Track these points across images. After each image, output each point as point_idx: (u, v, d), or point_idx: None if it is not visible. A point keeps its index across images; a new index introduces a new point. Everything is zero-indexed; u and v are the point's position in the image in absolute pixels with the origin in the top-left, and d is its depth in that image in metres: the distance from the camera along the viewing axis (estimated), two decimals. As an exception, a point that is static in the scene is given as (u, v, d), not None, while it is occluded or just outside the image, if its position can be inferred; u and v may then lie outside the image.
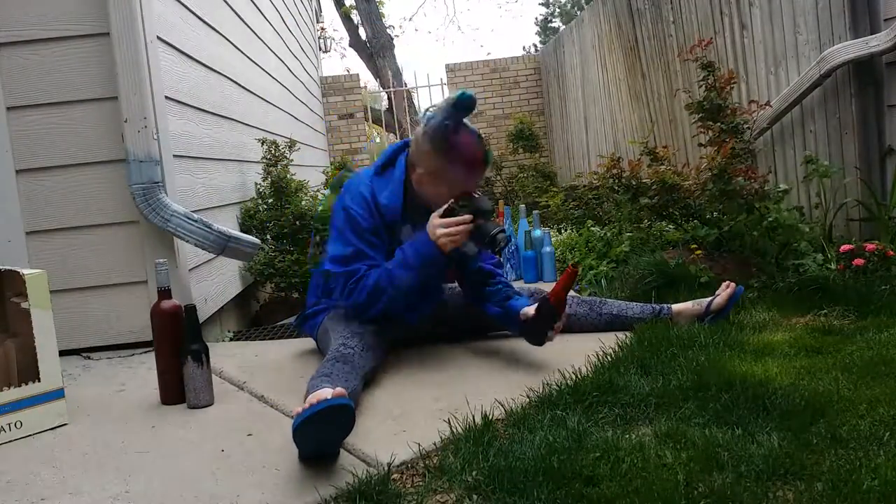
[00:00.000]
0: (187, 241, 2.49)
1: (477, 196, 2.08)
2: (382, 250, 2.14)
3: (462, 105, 2.00)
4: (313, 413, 1.42)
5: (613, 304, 2.44)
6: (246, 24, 4.18)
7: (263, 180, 3.75)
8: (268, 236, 3.46)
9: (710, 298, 2.41)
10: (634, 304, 2.47)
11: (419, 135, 2.10)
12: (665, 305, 2.44)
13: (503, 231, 2.04)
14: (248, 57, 4.12)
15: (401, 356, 2.27)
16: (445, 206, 2.04)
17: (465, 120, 2.06)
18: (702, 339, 2.16)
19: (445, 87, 8.94)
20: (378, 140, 14.74)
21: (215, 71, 3.36)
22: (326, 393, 1.50)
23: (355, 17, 12.66)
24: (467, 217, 2.02)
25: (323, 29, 10.51)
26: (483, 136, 2.16)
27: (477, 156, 2.07)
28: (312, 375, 1.80)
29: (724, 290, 2.41)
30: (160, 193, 2.43)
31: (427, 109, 2.11)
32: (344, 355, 1.88)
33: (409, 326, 2.27)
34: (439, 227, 2.02)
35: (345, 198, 2.17)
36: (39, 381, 1.83)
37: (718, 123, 3.21)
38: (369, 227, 2.11)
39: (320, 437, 1.47)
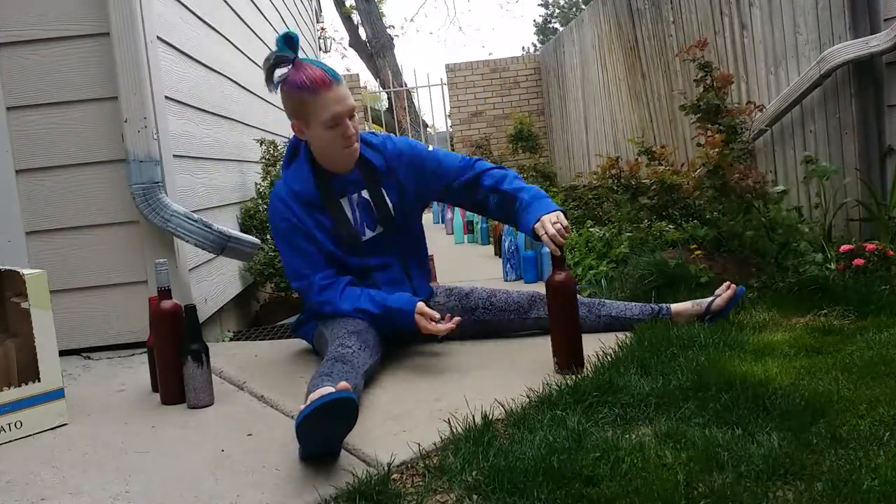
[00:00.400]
0: (187, 241, 2.49)
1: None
2: (321, 242, 2.19)
3: (284, 43, 2.07)
4: (318, 406, 1.41)
5: (612, 306, 2.43)
6: (246, 24, 4.18)
7: (263, 180, 3.75)
8: (268, 236, 3.46)
9: (710, 299, 2.41)
10: (634, 304, 2.46)
11: (282, 101, 2.15)
12: (664, 306, 2.43)
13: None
14: (248, 57, 4.12)
15: (400, 356, 2.27)
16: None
17: (301, 56, 2.12)
18: (702, 339, 2.16)
19: (445, 87, 8.94)
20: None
21: (215, 71, 3.36)
22: (329, 389, 1.50)
23: (355, 17, 12.68)
24: (451, 326, 2.10)
25: (323, 29, 10.51)
26: (323, 63, 2.22)
27: (316, 75, 2.06)
28: (312, 375, 1.80)
29: (725, 292, 2.40)
30: (160, 193, 2.43)
31: (265, 62, 2.13)
32: (343, 355, 1.88)
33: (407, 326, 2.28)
34: (424, 319, 2.11)
35: (272, 218, 2.25)
36: (39, 381, 1.83)
37: (717, 125, 3.21)
38: (294, 228, 2.17)
39: (324, 432, 1.47)
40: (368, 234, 2.26)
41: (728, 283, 2.43)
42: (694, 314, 2.39)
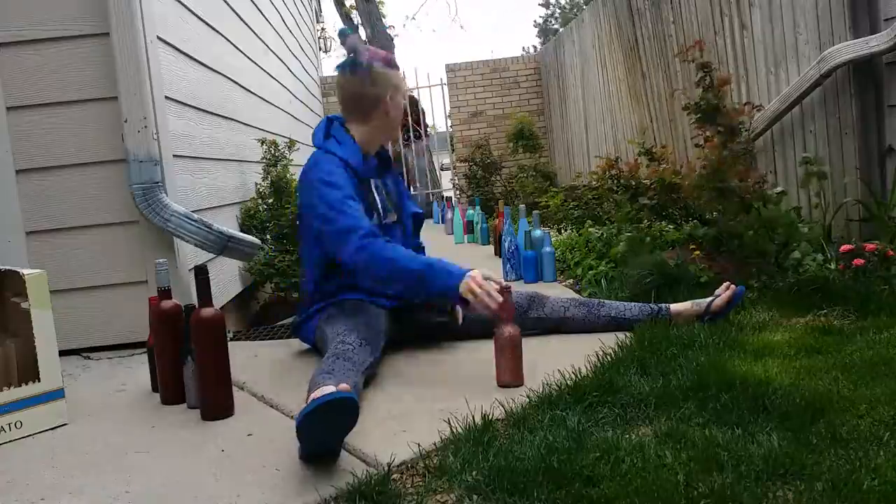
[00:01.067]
0: (187, 241, 2.50)
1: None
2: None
3: (353, 41, 2.30)
4: (318, 405, 1.41)
5: (612, 306, 2.44)
6: (246, 24, 4.18)
7: (263, 180, 3.75)
8: (268, 236, 3.46)
9: (709, 299, 2.41)
10: (633, 304, 2.46)
11: (358, 81, 2.28)
12: (664, 306, 2.43)
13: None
14: (248, 57, 4.12)
15: (400, 356, 2.27)
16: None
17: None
18: (702, 339, 2.16)
19: (445, 87, 8.94)
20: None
21: (215, 71, 3.36)
22: (330, 388, 1.50)
23: (355, 17, 12.67)
24: (498, 298, 1.99)
25: (323, 29, 10.52)
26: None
27: (390, 55, 2.36)
28: (313, 374, 1.79)
29: (725, 292, 2.40)
30: (160, 193, 2.43)
31: (336, 68, 2.35)
32: (343, 352, 1.88)
33: (409, 323, 2.28)
34: (476, 279, 2.01)
35: (314, 173, 2.23)
36: (39, 381, 1.83)
37: (716, 126, 3.21)
38: (351, 189, 2.19)
39: (324, 431, 1.47)
40: (387, 218, 2.36)
41: (728, 283, 2.43)
42: (693, 314, 2.39)
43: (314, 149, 2.34)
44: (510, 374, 1.94)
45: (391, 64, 2.32)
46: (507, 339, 1.93)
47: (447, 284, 2.04)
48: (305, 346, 2.46)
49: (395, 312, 2.34)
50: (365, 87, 2.28)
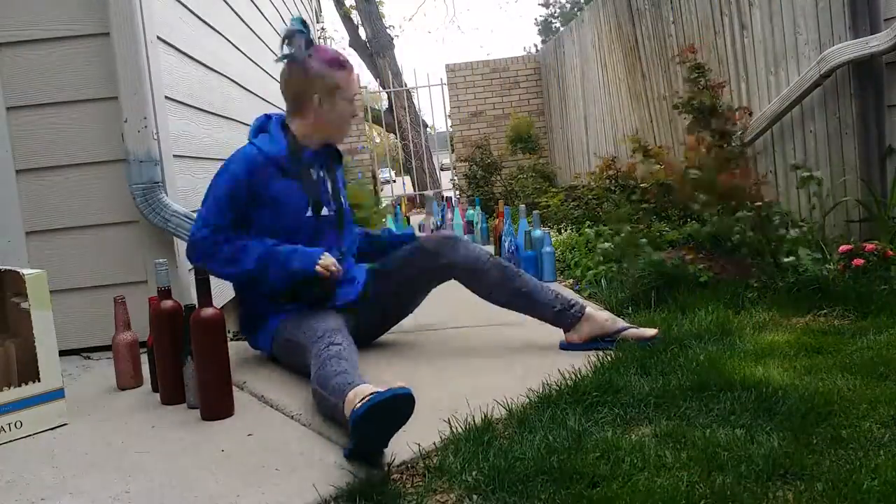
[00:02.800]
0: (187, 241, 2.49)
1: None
2: (265, 216, 2.20)
3: (299, 23, 2.21)
4: (382, 399, 1.43)
5: (529, 281, 2.29)
6: (246, 23, 4.18)
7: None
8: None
9: (627, 325, 2.25)
10: (550, 290, 2.30)
11: (293, 75, 2.24)
12: (581, 305, 2.27)
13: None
14: (248, 57, 4.12)
15: (399, 356, 2.27)
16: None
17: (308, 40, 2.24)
18: (702, 339, 2.16)
19: (445, 87, 8.94)
20: (378, 140, 14.75)
21: (215, 71, 3.35)
22: (369, 386, 1.55)
23: (355, 17, 12.67)
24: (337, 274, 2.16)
25: (323, 29, 10.52)
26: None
27: (338, 55, 2.27)
28: (320, 376, 1.76)
29: (646, 330, 2.22)
30: (160, 193, 2.43)
31: (284, 36, 2.24)
32: (338, 352, 1.84)
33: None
34: (325, 258, 2.15)
35: (228, 163, 2.24)
36: (39, 381, 1.83)
37: (709, 129, 3.21)
38: (245, 195, 2.18)
39: (380, 427, 1.47)
40: (325, 210, 2.28)
41: (656, 330, 2.23)
42: (602, 329, 2.22)
43: None
44: None
45: (335, 64, 2.24)
46: None
47: (307, 261, 2.16)
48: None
49: (349, 309, 2.28)
50: (298, 83, 2.24)
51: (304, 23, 2.21)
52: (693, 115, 3.24)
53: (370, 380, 1.69)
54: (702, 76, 3.26)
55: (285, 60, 2.25)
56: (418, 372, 2.13)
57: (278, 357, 2.25)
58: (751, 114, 3.45)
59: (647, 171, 3.29)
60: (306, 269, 2.13)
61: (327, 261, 2.15)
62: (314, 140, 2.29)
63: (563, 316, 2.24)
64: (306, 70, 2.22)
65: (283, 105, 2.34)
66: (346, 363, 1.79)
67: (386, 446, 1.52)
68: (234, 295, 3.18)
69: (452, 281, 2.34)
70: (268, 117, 2.33)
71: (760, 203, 2.97)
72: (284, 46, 2.23)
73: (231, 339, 3.01)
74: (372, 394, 1.47)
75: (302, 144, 2.27)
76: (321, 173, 2.31)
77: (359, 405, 1.46)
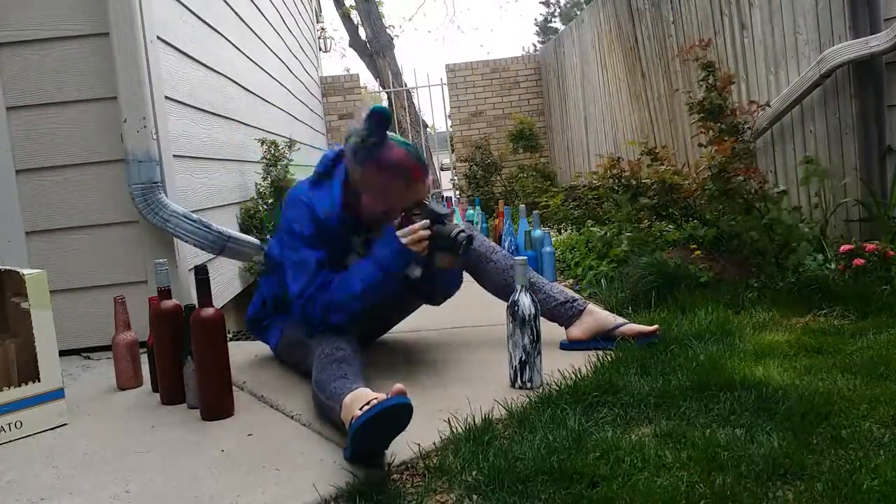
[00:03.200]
0: (186, 241, 2.50)
1: (428, 203, 2.05)
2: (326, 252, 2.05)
3: (375, 120, 1.96)
4: (380, 410, 1.42)
5: (534, 274, 2.30)
6: (246, 24, 4.18)
7: (263, 180, 3.75)
8: (268, 236, 3.46)
9: (626, 322, 2.25)
10: (553, 284, 2.32)
11: (349, 160, 2.03)
12: (582, 301, 2.28)
13: (463, 231, 2.01)
14: (247, 57, 4.12)
15: (399, 356, 2.27)
16: (399, 220, 2.01)
17: (389, 133, 2.02)
18: (702, 339, 2.16)
19: (445, 87, 8.94)
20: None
21: (215, 71, 3.35)
22: (366, 394, 1.55)
23: (355, 17, 12.67)
24: (424, 223, 1.97)
25: (323, 29, 10.52)
26: (414, 144, 2.11)
27: (411, 166, 2.02)
28: (320, 379, 1.76)
29: (647, 327, 2.23)
30: (159, 193, 2.43)
31: (347, 134, 2.03)
32: (342, 357, 1.84)
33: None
34: (403, 236, 1.97)
35: (286, 212, 2.10)
36: (39, 381, 1.83)
37: (719, 124, 3.21)
38: (311, 235, 2.03)
39: (378, 436, 1.47)
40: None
41: (656, 326, 2.24)
42: (599, 325, 2.23)
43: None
44: None
45: (400, 175, 2.00)
46: None
47: (395, 252, 1.96)
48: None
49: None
50: (350, 168, 2.05)
51: (381, 118, 1.97)
52: (703, 114, 3.24)
53: (371, 381, 1.69)
54: (711, 74, 3.25)
55: (353, 151, 2.01)
56: (418, 372, 2.12)
57: (282, 355, 2.25)
58: (766, 106, 3.45)
59: (653, 172, 3.29)
60: (396, 255, 1.96)
61: (407, 234, 1.96)
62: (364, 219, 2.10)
63: (566, 308, 2.26)
64: (362, 168, 2.01)
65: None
66: (348, 368, 1.79)
67: (386, 449, 1.53)
68: (233, 295, 3.18)
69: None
70: (338, 157, 2.12)
71: (770, 201, 2.97)
72: (358, 131, 2.01)
73: (231, 339, 3.01)
74: (369, 403, 1.46)
75: (367, 212, 2.08)
76: (368, 235, 2.13)
77: (358, 414, 1.46)
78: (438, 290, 2.26)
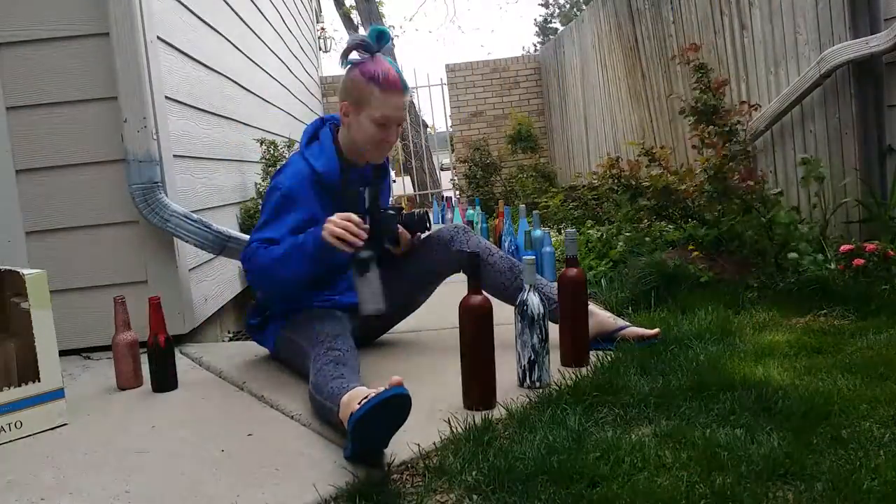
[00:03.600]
0: (186, 241, 2.49)
1: (395, 210, 2.17)
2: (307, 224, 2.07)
3: (375, 35, 2.12)
4: (377, 403, 1.42)
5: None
6: (246, 24, 4.18)
7: (263, 180, 3.75)
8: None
9: (629, 324, 2.25)
10: (553, 285, 2.29)
11: (345, 74, 2.15)
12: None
13: (426, 213, 2.11)
14: (248, 57, 4.12)
15: (399, 355, 2.27)
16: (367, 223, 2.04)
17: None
18: (702, 340, 2.16)
19: (445, 87, 8.94)
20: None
21: (215, 71, 3.36)
22: (364, 391, 1.53)
23: (355, 17, 12.68)
24: (360, 229, 1.94)
25: (323, 29, 10.51)
26: (399, 70, 2.22)
27: (392, 77, 2.11)
28: (317, 381, 1.75)
29: (648, 330, 2.21)
30: (159, 193, 2.43)
31: (348, 40, 2.18)
32: (338, 357, 1.83)
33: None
34: (330, 220, 1.95)
35: (279, 178, 2.15)
36: (39, 381, 1.83)
37: (712, 126, 3.21)
38: (304, 198, 2.08)
39: (378, 429, 1.47)
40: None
41: (657, 329, 2.23)
42: (602, 326, 2.21)
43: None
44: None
45: (373, 78, 2.09)
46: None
47: (315, 237, 1.96)
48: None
49: (353, 310, 2.25)
50: (342, 84, 2.17)
51: (381, 35, 2.12)
52: (697, 117, 3.24)
53: (369, 381, 1.68)
54: (705, 76, 3.26)
55: (342, 58, 2.18)
56: (418, 372, 2.12)
57: (280, 357, 2.25)
58: (757, 106, 3.45)
59: (651, 174, 3.29)
60: (317, 242, 1.96)
61: (332, 226, 1.94)
62: (354, 155, 2.20)
63: None
64: (346, 79, 2.15)
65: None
66: (344, 368, 1.78)
67: (386, 446, 1.52)
68: (233, 295, 3.18)
69: (453, 282, 2.34)
70: (322, 121, 2.26)
71: (768, 201, 2.97)
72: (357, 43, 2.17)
73: (231, 339, 3.01)
74: (367, 397, 1.47)
75: (350, 160, 2.20)
76: (361, 189, 2.21)
77: (356, 407, 1.46)
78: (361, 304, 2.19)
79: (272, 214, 2.10)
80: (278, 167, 3.64)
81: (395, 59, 2.16)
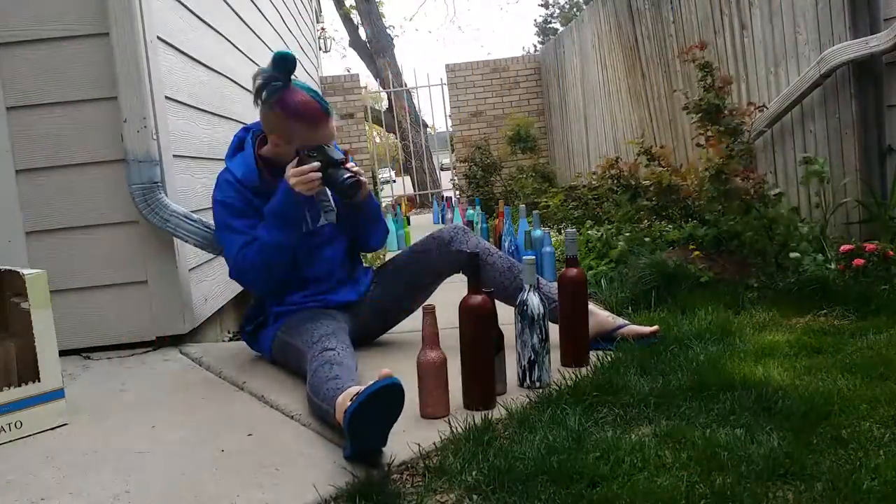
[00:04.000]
0: (186, 241, 2.49)
1: (327, 147, 2.13)
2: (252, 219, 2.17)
3: (279, 63, 2.07)
4: (371, 393, 1.41)
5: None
6: (246, 23, 4.18)
7: (263, 180, 3.74)
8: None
9: (627, 322, 2.25)
10: (552, 285, 2.30)
11: (255, 101, 2.14)
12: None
13: (353, 176, 2.10)
14: (248, 57, 4.12)
15: (398, 355, 2.27)
16: (297, 157, 2.10)
17: (295, 79, 2.14)
18: (702, 340, 2.16)
19: (445, 87, 8.94)
20: (378, 140, 14.76)
21: (215, 71, 3.36)
22: (357, 389, 1.52)
23: (355, 17, 12.68)
24: (315, 164, 2.06)
25: (323, 29, 10.52)
26: (316, 90, 2.24)
27: (313, 109, 2.12)
28: (313, 383, 1.75)
29: (646, 328, 2.23)
30: (159, 193, 2.43)
31: (255, 74, 2.12)
32: (332, 358, 1.83)
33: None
34: (292, 176, 2.06)
35: (214, 193, 2.22)
36: (39, 381, 1.83)
37: (716, 126, 3.21)
38: (242, 206, 2.16)
39: (374, 422, 1.46)
40: (320, 222, 2.27)
41: (657, 327, 2.25)
42: (602, 326, 2.21)
43: None
44: (432, 404, 1.76)
45: (299, 116, 2.09)
46: (427, 364, 1.75)
47: (283, 199, 2.07)
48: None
49: (349, 309, 2.29)
50: (264, 116, 2.16)
51: (281, 60, 2.07)
52: (701, 116, 3.24)
53: (368, 381, 1.68)
54: (709, 75, 3.26)
55: (257, 93, 2.12)
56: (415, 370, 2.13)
57: (277, 361, 2.24)
58: (763, 107, 3.45)
59: (650, 173, 3.30)
60: (287, 195, 2.06)
61: (297, 174, 2.05)
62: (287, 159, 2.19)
63: None
64: (270, 111, 2.12)
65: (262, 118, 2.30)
66: (339, 368, 1.77)
67: (384, 444, 1.52)
68: (233, 295, 3.18)
69: (452, 283, 2.34)
70: (246, 130, 2.29)
71: (770, 204, 2.97)
72: (262, 73, 2.11)
73: (231, 339, 3.01)
74: (358, 392, 1.46)
75: (276, 163, 2.18)
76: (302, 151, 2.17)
77: (349, 404, 1.46)
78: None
79: (223, 227, 2.18)
80: None
81: (309, 81, 2.09)
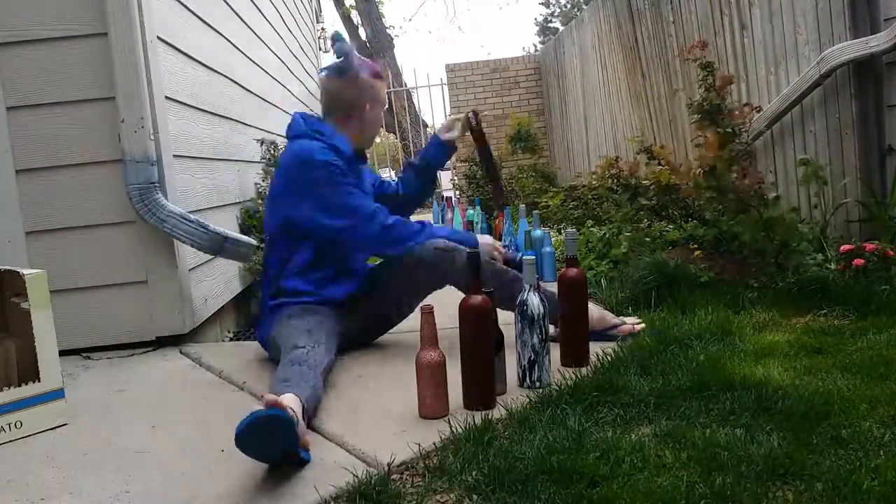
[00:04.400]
0: (183, 242, 2.49)
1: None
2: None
3: (340, 40, 2.42)
4: (250, 423, 1.38)
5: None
6: (246, 23, 4.17)
7: (263, 180, 3.75)
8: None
9: (621, 320, 2.30)
10: (550, 290, 2.30)
11: (345, 86, 2.37)
12: None
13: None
14: (247, 57, 4.12)
15: (397, 356, 2.27)
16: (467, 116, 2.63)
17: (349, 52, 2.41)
18: (702, 339, 2.16)
19: (445, 87, 8.94)
20: (378, 140, 14.75)
21: (215, 71, 3.35)
22: (275, 399, 1.46)
23: (355, 17, 12.68)
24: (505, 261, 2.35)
25: (323, 29, 10.51)
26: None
27: (378, 67, 2.49)
28: (270, 382, 1.76)
29: (636, 324, 2.31)
30: (156, 194, 2.43)
31: (321, 70, 2.47)
32: (298, 356, 1.84)
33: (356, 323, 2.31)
34: (493, 245, 2.39)
35: (313, 155, 2.24)
36: (39, 381, 1.83)
37: (715, 126, 3.21)
38: (344, 168, 2.26)
39: (265, 445, 1.43)
40: None
41: (641, 323, 2.33)
42: (602, 321, 2.26)
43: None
44: (431, 404, 1.75)
45: (378, 76, 2.42)
46: (425, 364, 1.75)
47: (471, 241, 2.36)
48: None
49: (346, 306, 2.31)
50: (349, 92, 2.36)
51: (352, 30, 2.35)
52: (701, 115, 3.24)
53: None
54: (710, 74, 3.26)
55: (335, 71, 2.38)
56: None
57: (268, 351, 2.28)
58: (759, 109, 3.45)
59: (650, 172, 3.29)
60: (469, 244, 2.29)
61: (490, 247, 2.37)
62: (356, 145, 2.41)
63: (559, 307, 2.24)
64: (360, 82, 2.36)
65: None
66: (299, 367, 1.77)
67: (278, 460, 1.47)
68: (233, 295, 3.18)
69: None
70: (307, 117, 2.43)
71: (766, 203, 2.97)
72: (333, 59, 2.41)
73: (231, 339, 3.01)
74: (250, 414, 1.41)
75: (361, 136, 2.42)
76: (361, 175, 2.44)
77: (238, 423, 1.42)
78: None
79: (335, 184, 2.23)
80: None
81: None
